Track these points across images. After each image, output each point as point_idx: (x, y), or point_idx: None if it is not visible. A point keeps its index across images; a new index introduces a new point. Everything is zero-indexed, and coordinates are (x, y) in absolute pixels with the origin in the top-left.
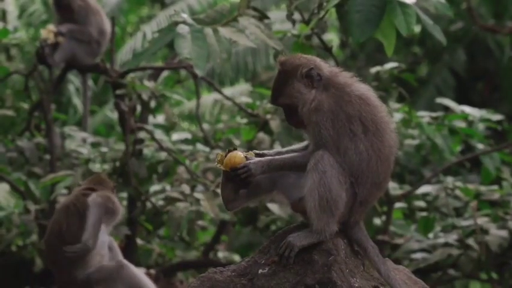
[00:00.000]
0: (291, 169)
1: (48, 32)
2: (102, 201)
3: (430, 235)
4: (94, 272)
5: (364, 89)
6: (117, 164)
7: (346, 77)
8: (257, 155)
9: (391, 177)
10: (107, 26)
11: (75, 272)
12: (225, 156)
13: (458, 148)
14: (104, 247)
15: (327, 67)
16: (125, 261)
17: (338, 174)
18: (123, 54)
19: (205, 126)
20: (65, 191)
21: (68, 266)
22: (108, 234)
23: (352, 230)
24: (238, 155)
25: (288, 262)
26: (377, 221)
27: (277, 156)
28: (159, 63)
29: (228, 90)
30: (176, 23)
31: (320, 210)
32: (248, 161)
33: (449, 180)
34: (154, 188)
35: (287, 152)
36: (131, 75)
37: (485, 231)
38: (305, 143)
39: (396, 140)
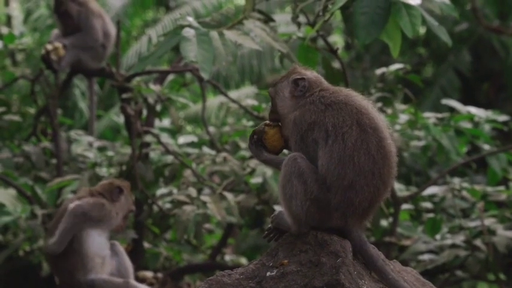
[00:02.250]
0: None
1: (52, 48)
2: (79, 210)
3: (437, 236)
4: (99, 280)
5: (335, 95)
6: (124, 167)
7: (325, 90)
8: None
9: (396, 178)
10: (111, 28)
11: (76, 274)
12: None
13: (465, 149)
14: (103, 249)
15: (325, 86)
16: (133, 282)
17: (298, 181)
18: (129, 58)
19: (211, 129)
20: (71, 196)
21: (68, 269)
22: (106, 238)
23: (348, 237)
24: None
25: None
26: (384, 223)
27: (270, 156)
28: (165, 67)
29: (233, 93)
30: (182, 27)
31: (283, 207)
32: (250, 145)
33: (456, 181)
34: (161, 191)
35: None
36: (137, 79)
37: (492, 232)
38: None
39: (376, 139)
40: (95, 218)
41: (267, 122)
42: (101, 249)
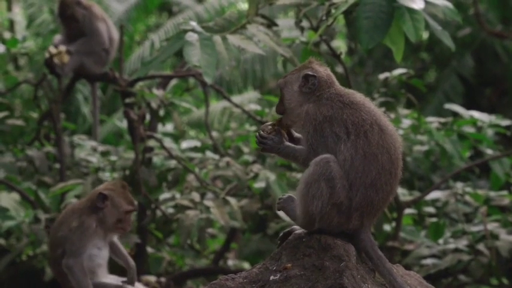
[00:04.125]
0: (294, 160)
1: (57, 52)
2: (70, 262)
3: (440, 241)
4: (94, 284)
5: (351, 95)
6: (127, 172)
7: (339, 89)
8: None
9: (400, 183)
10: (114, 33)
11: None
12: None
13: (468, 154)
14: (93, 260)
15: (336, 86)
16: (129, 287)
17: (326, 185)
18: (131, 63)
19: (214, 134)
20: (74, 200)
21: (67, 277)
22: (98, 248)
23: (357, 238)
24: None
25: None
26: (387, 227)
27: (291, 145)
28: (168, 72)
29: (236, 98)
30: (185, 31)
31: (299, 201)
32: (271, 136)
33: (459, 185)
34: (164, 196)
35: None
36: (140, 83)
37: (495, 237)
38: None
39: (392, 140)
40: (78, 239)
41: (269, 124)
42: (91, 260)
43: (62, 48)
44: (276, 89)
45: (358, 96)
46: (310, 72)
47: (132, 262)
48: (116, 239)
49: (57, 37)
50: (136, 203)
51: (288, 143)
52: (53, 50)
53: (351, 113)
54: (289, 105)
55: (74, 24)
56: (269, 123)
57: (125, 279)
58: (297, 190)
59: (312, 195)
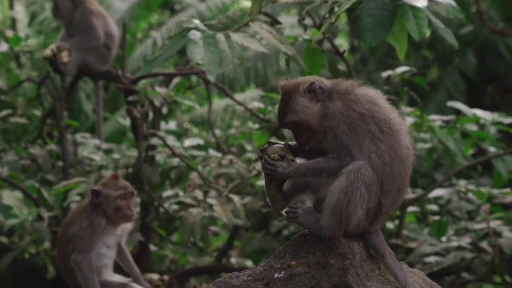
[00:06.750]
0: (316, 175)
1: (57, 50)
2: (78, 258)
3: (443, 238)
4: (106, 283)
5: (370, 90)
6: (130, 170)
7: (348, 83)
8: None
9: None
10: (114, 29)
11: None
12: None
13: (470, 151)
14: (100, 259)
15: (328, 81)
16: (133, 285)
17: (366, 190)
18: (133, 61)
19: (217, 131)
20: (77, 198)
21: (73, 274)
22: (107, 247)
23: (369, 235)
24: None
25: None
26: (390, 225)
27: (303, 163)
28: (171, 70)
29: (239, 96)
30: (188, 29)
31: (332, 212)
32: (279, 163)
33: (462, 183)
34: (167, 193)
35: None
36: (143, 81)
37: (498, 234)
38: None
39: (411, 141)
40: (87, 238)
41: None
42: (98, 259)
43: (61, 44)
44: (285, 127)
45: (372, 90)
46: (307, 84)
47: (137, 270)
48: (123, 243)
49: (60, 34)
50: (130, 187)
51: (297, 163)
52: (53, 48)
53: (379, 110)
54: (316, 122)
55: (70, 21)
56: (275, 146)
57: (130, 279)
58: (329, 202)
59: (355, 203)
